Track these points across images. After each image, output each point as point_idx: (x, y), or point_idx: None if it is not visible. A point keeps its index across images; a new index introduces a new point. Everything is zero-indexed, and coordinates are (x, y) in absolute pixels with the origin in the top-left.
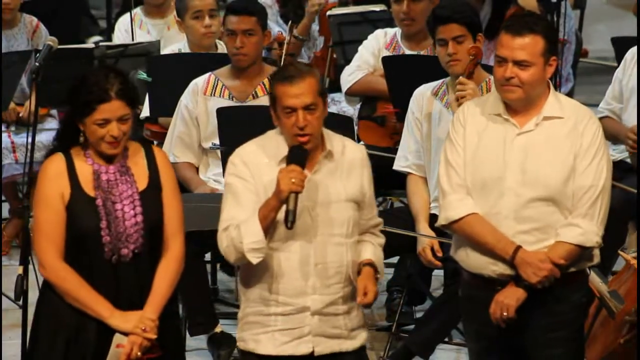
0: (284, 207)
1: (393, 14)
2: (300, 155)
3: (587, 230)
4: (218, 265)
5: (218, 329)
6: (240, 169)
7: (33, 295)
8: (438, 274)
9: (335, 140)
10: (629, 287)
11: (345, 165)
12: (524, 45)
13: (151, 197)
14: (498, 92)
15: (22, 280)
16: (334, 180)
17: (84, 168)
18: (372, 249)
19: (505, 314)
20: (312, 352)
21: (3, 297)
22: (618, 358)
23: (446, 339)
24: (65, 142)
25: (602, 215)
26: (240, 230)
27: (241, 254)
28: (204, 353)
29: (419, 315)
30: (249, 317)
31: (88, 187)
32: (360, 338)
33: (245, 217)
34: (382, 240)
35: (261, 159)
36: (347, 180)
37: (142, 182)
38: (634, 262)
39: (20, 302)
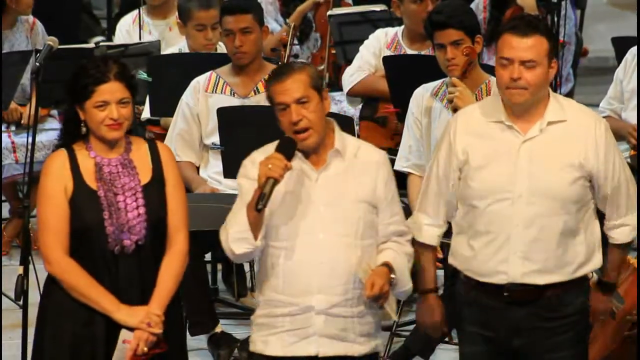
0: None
1: (409, 14)
2: (286, 145)
3: (634, 224)
4: (220, 276)
5: (218, 329)
6: (249, 169)
7: (33, 295)
8: (438, 274)
9: (348, 142)
10: (627, 286)
11: (358, 167)
12: (531, 45)
13: (154, 190)
14: (503, 96)
15: (22, 280)
16: (344, 180)
17: (87, 161)
18: (392, 255)
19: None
20: (318, 354)
21: (3, 297)
22: (618, 358)
23: (446, 339)
24: (68, 136)
25: (636, 202)
26: (230, 222)
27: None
28: (204, 353)
29: None
30: (260, 318)
31: (90, 179)
32: (370, 345)
33: None
34: (408, 249)
35: None
36: (358, 181)
37: (145, 176)
38: (634, 261)
39: (20, 302)
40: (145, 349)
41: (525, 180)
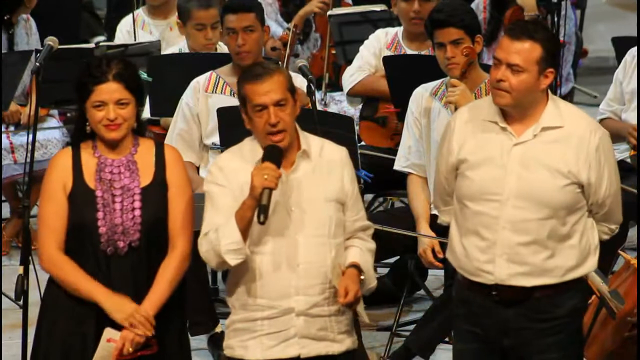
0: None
1: (400, 13)
2: (274, 154)
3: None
4: (220, 276)
5: (218, 329)
6: (216, 176)
7: (33, 295)
8: (438, 274)
9: (312, 141)
10: (628, 286)
11: (325, 166)
12: (520, 50)
13: (153, 193)
14: (491, 95)
15: (23, 280)
16: (313, 180)
17: (90, 160)
18: (359, 254)
19: None
20: (299, 355)
21: (3, 297)
22: (618, 358)
23: (446, 339)
24: (77, 135)
25: (621, 215)
26: (218, 233)
27: (221, 257)
28: (204, 353)
29: (419, 315)
30: (236, 324)
31: (90, 179)
32: (348, 342)
33: (222, 220)
34: (371, 245)
35: (237, 164)
36: (327, 180)
37: (146, 178)
38: (634, 261)
39: (21, 302)
40: (131, 349)
41: (514, 184)
